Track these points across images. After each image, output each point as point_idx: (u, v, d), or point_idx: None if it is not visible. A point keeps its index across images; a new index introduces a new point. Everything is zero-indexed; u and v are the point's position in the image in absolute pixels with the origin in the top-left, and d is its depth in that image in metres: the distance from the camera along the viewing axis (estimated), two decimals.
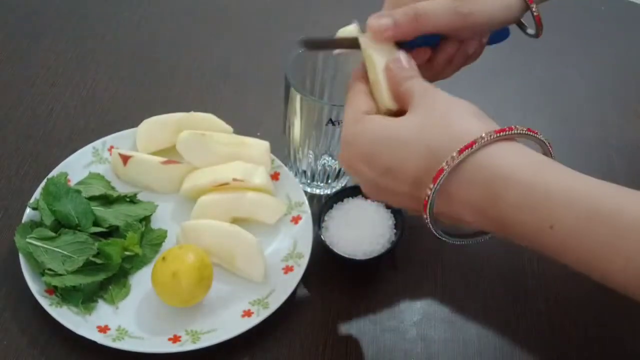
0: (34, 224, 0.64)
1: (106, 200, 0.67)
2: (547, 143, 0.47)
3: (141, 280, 0.64)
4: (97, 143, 0.72)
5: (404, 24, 0.52)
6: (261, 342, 0.61)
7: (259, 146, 0.71)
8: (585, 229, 0.42)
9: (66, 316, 0.59)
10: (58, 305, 0.60)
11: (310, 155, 0.69)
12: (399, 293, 0.66)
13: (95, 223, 0.65)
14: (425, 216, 0.47)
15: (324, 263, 0.67)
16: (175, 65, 0.87)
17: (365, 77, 0.53)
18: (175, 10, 0.95)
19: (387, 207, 0.67)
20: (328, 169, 0.71)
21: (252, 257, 0.64)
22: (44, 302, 0.59)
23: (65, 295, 0.61)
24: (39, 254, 0.61)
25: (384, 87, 0.51)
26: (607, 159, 0.81)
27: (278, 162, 0.72)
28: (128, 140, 0.73)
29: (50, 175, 0.68)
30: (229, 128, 0.73)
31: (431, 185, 0.45)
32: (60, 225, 0.64)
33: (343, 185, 0.74)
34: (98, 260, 0.62)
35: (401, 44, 0.53)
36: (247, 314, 0.62)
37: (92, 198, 0.66)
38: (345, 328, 0.63)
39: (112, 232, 0.66)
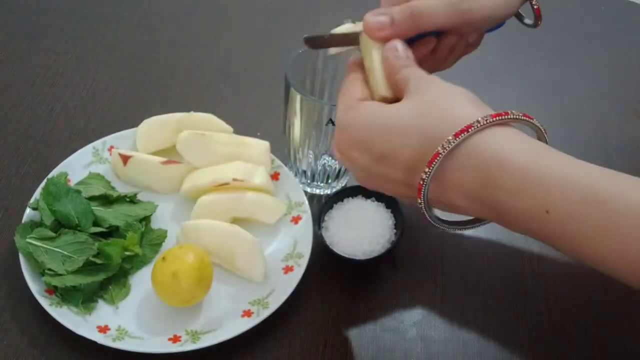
0: (34, 224, 0.64)
1: (106, 200, 0.67)
2: (542, 129, 0.47)
3: (141, 280, 0.64)
4: (97, 143, 0.72)
5: (400, 22, 0.51)
6: (261, 342, 0.61)
7: (259, 146, 0.71)
8: (580, 215, 0.42)
9: (66, 316, 0.59)
10: (58, 305, 0.60)
11: (310, 155, 0.69)
12: (399, 293, 0.66)
13: (95, 223, 0.65)
14: (419, 201, 0.47)
15: (324, 263, 0.67)
16: (175, 65, 0.87)
17: (361, 65, 0.53)
18: (175, 10, 0.95)
19: (387, 207, 0.67)
20: (328, 169, 0.71)
21: (252, 257, 0.64)
22: (44, 302, 0.59)
23: (65, 295, 0.61)
24: (39, 254, 0.61)
25: (379, 75, 0.51)
26: (607, 159, 0.81)
27: (278, 162, 0.72)
28: (128, 140, 0.73)
29: (50, 175, 0.68)
30: (229, 128, 0.73)
31: (426, 169, 0.45)
32: (60, 225, 0.64)
33: (343, 185, 0.74)
34: (98, 260, 0.62)
35: None
36: (247, 314, 0.62)
37: (92, 198, 0.66)
38: (345, 328, 0.63)
39: (112, 232, 0.66)
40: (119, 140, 0.73)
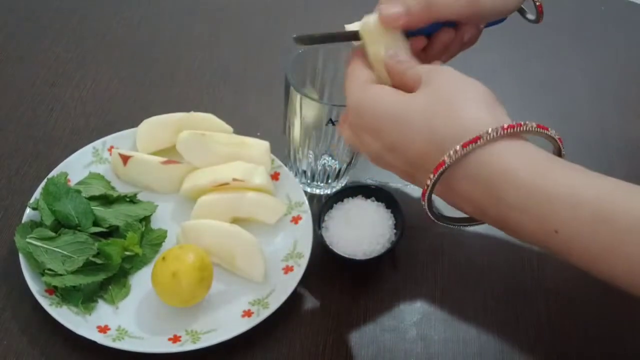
0: (34, 224, 0.64)
1: (106, 200, 0.67)
2: (557, 139, 0.46)
3: (141, 280, 0.64)
4: (97, 143, 0.72)
5: (416, 12, 0.51)
6: (261, 342, 0.61)
7: (259, 146, 0.71)
8: (589, 234, 0.42)
9: (66, 316, 0.59)
10: (58, 305, 0.60)
11: (310, 155, 0.69)
12: (399, 293, 0.66)
13: (95, 223, 0.65)
14: (423, 203, 0.47)
15: (324, 263, 0.67)
16: (175, 65, 0.87)
17: (363, 54, 0.53)
18: (175, 10, 0.95)
19: (387, 207, 0.67)
20: (328, 169, 0.71)
21: (252, 257, 0.64)
22: (44, 302, 0.59)
23: (65, 295, 0.61)
24: (39, 254, 0.61)
25: (383, 67, 0.51)
26: (607, 159, 0.81)
27: (278, 162, 0.72)
28: (128, 140, 0.73)
29: (50, 175, 0.68)
30: (229, 128, 0.73)
31: (431, 176, 0.45)
32: (60, 225, 0.64)
33: (343, 185, 0.74)
34: (98, 260, 0.62)
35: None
36: (247, 314, 0.62)
37: (92, 198, 0.66)
38: (345, 328, 0.63)
39: (112, 232, 0.66)
40: (119, 140, 0.73)
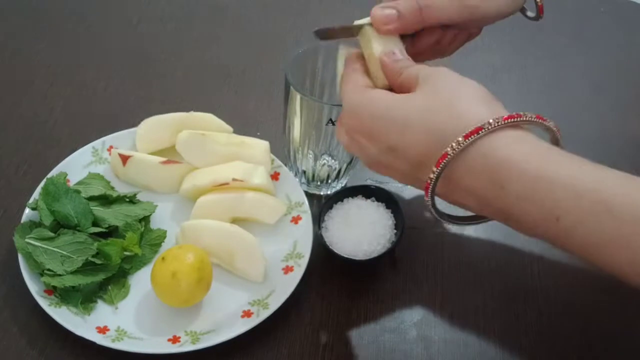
0: (33, 224, 0.64)
1: (105, 200, 0.67)
2: (556, 130, 0.47)
3: (140, 281, 0.64)
4: (97, 143, 0.72)
5: (408, 16, 0.52)
6: (261, 342, 0.61)
7: (258, 146, 0.71)
8: (591, 223, 0.42)
9: (65, 316, 0.59)
10: (57, 306, 0.60)
11: (310, 155, 0.69)
12: (399, 293, 0.66)
13: (95, 223, 0.65)
14: (426, 199, 0.47)
15: (324, 263, 0.67)
16: (175, 65, 0.87)
17: (360, 58, 0.53)
18: (175, 10, 0.95)
19: (387, 207, 0.67)
20: (328, 169, 0.71)
21: (252, 257, 0.64)
22: (43, 303, 0.59)
23: (65, 295, 0.61)
24: (38, 254, 0.61)
25: (379, 66, 0.51)
26: (606, 159, 0.80)
27: (278, 162, 0.72)
28: (127, 140, 0.73)
29: (49, 175, 0.68)
30: (229, 128, 0.73)
31: (434, 169, 0.45)
32: (60, 225, 0.64)
33: (343, 185, 0.74)
34: (97, 261, 0.62)
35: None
36: (247, 314, 0.62)
37: (91, 198, 0.66)
38: (345, 328, 0.63)
39: (112, 232, 0.65)
40: (119, 140, 0.73)
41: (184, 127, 0.71)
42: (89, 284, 0.61)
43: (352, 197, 0.68)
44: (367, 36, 0.53)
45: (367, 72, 0.53)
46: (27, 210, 0.66)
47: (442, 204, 0.50)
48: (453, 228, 0.71)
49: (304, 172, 0.72)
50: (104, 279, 0.62)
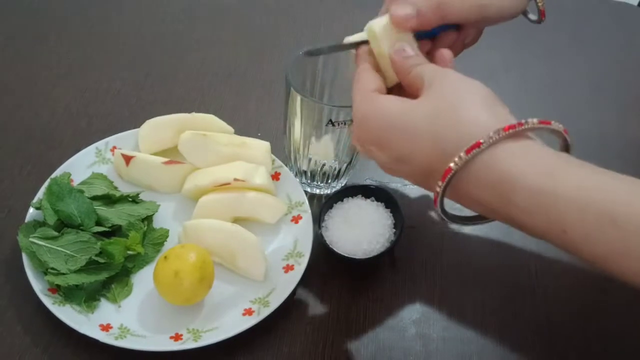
0: (37, 224, 0.65)
1: (109, 200, 0.68)
2: (562, 131, 0.46)
3: (143, 279, 0.64)
4: (100, 143, 0.73)
5: (427, 13, 0.52)
6: (262, 340, 0.62)
7: (259, 146, 0.72)
8: (597, 234, 0.42)
9: (69, 315, 0.60)
10: (61, 304, 0.60)
11: (310, 156, 0.70)
12: (399, 292, 0.67)
13: (98, 222, 0.65)
14: (436, 208, 0.48)
15: (324, 262, 0.67)
16: (176, 67, 0.88)
17: (369, 54, 0.54)
18: (177, 12, 0.96)
19: (387, 206, 0.68)
20: (328, 169, 0.71)
21: (253, 256, 0.64)
22: (47, 301, 0.60)
23: (68, 294, 0.61)
24: (42, 253, 0.62)
25: (389, 63, 0.52)
26: (606, 159, 0.80)
27: (278, 162, 0.73)
28: (130, 140, 0.74)
29: (53, 175, 0.68)
30: (230, 129, 0.73)
31: (440, 183, 0.46)
32: (63, 224, 0.65)
33: (343, 185, 0.74)
34: (100, 260, 0.62)
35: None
36: (248, 312, 0.62)
37: (95, 198, 0.67)
38: (345, 327, 0.64)
39: (115, 231, 0.66)
40: (122, 141, 0.74)
41: (186, 128, 0.71)
42: (92, 282, 0.61)
43: (351, 196, 0.69)
44: (380, 36, 0.53)
45: (377, 68, 0.53)
46: (31, 210, 0.66)
47: (449, 202, 0.50)
48: (451, 227, 0.71)
49: (304, 172, 0.72)
50: (107, 277, 0.63)
